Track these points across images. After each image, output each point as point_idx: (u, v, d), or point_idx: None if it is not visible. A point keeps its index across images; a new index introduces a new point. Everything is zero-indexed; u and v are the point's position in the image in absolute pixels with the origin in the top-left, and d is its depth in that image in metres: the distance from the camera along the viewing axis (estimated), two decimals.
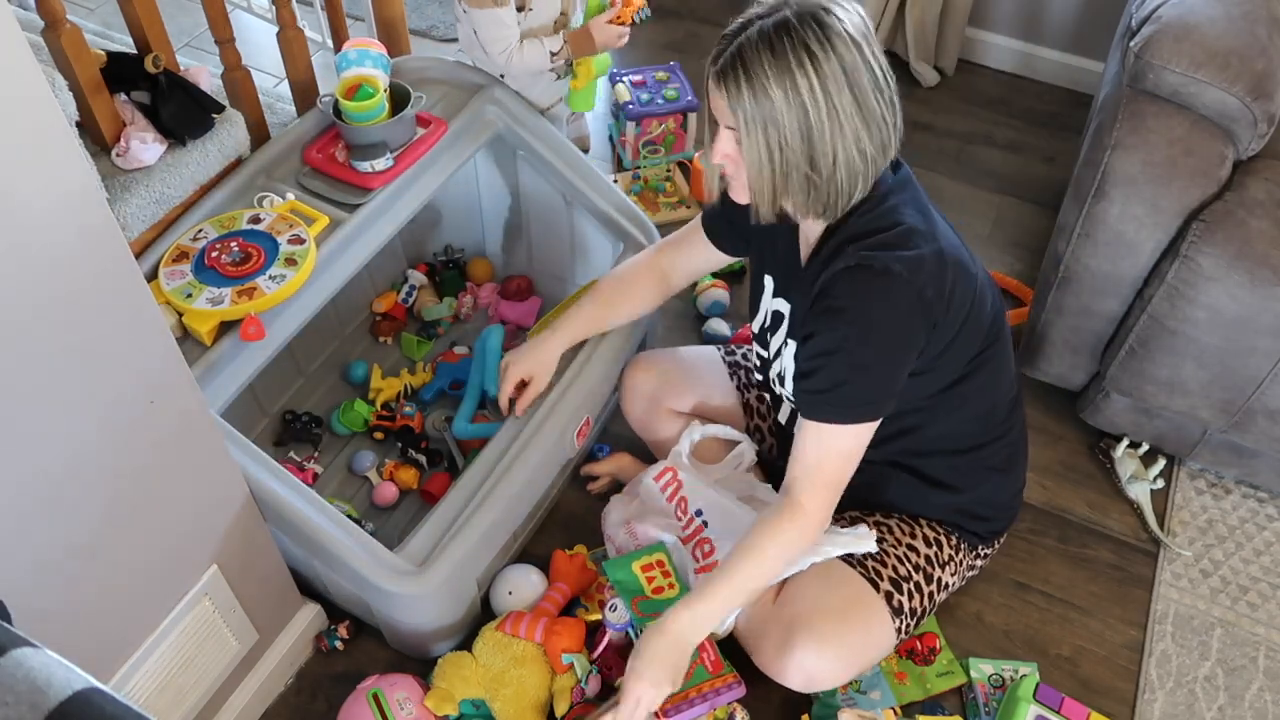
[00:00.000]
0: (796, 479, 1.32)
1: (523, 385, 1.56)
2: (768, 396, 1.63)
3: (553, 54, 1.79)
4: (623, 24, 1.83)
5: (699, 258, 1.56)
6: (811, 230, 1.31)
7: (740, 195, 1.27)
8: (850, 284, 1.22)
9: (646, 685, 1.29)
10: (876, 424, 1.30)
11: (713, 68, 1.19)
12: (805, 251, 1.35)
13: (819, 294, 1.26)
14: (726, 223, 1.48)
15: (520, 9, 1.76)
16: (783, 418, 1.54)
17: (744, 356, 1.69)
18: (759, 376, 1.55)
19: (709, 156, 1.27)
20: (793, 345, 1.36)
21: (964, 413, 1.40)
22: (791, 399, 1.40)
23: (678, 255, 1.58)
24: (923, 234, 1.23)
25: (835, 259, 1.24)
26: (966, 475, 1.46)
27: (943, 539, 1.48)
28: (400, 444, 1.77)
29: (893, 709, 1.47)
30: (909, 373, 1.29)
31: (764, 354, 1.46)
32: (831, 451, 1.30)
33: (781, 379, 1.41)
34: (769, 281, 1.44)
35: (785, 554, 1.35)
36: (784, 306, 1.39)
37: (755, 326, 1.49)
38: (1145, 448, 1.83)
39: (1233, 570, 1.72)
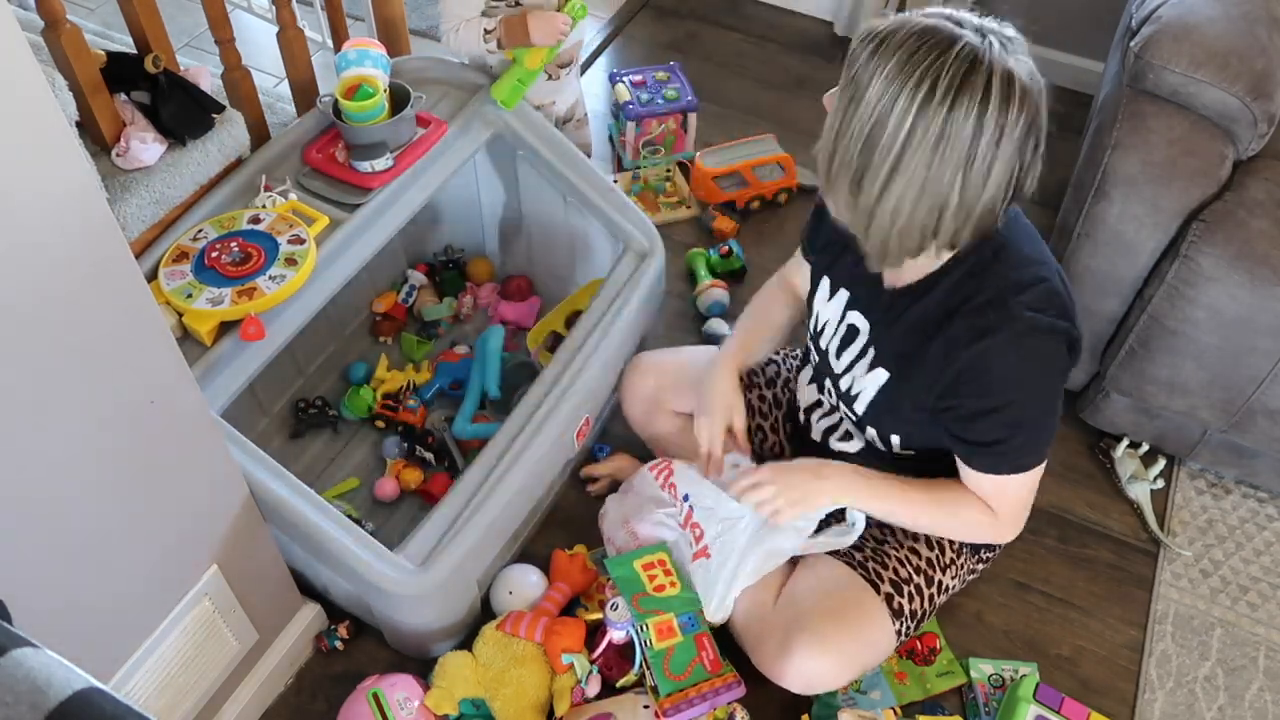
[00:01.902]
0: (1001, 507, 1.32)
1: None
2: (769, 396, 1.63)
3: (486, 31, 1.67)
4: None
5: (804, 271, 1.50)
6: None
7: None
8: (1007, 352, 1.17)
9: (772, 476, 1.34)
10: (1044, 463, 1.30)
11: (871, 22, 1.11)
12: (890, 276, 1.28)
13: (961, 353, 1.18)
14: (815, 226, 1.41)
15: None
16: (816, 435, 1.51)
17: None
18: (810, 379, 1.52)
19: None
20: (881, 374, 1.31)
21: None
22: (853, 417, 1.39)
23: (795, 273, 1.56)
24: (1060, 290, 1.20)
25: (960, 313, 1.18)
26: None
27: (945, 543, 1.47)
28: (406, 443, 1.77)
29: (893, 709, 1.47)
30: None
31: (830, 363, 1.40)
32: (1007, 489, 1.30)
33: (850, 398, 1.37)
34: (840, 291, 1.37)
35: (964, 529, 1.37)
36: (861, 324, 1.34)
37: (812, 326, 1.44)
38: (1145, 448, 1.83)
39: (1233, 570, 1.72)
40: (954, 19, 1.08)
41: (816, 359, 1.46)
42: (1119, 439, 1.84)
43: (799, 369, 1.62)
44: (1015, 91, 1.05)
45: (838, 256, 1.37)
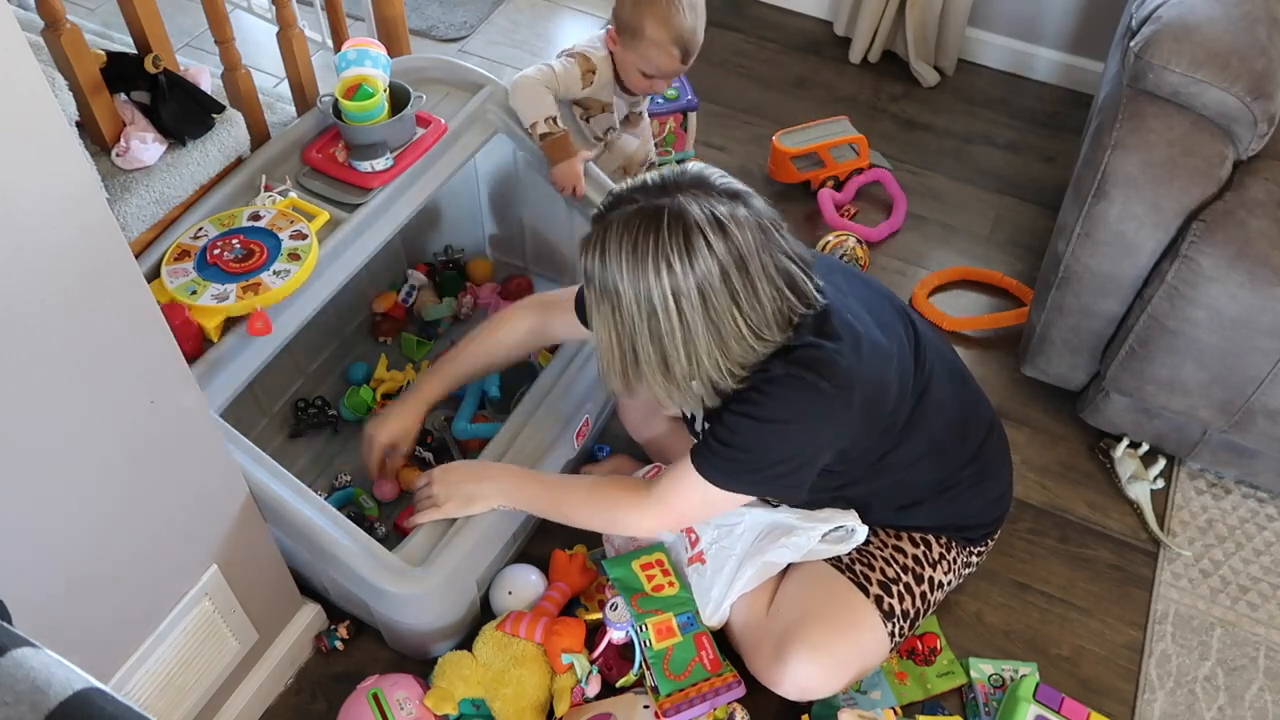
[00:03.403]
0: (660, 491, 1.33)
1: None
2: None
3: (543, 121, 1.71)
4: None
5: (573, 326, 1.50)
6: None
7: None
8: (774, 386, 1.20)
9: (436, 477, 1.40)
10: (743, 497, 1.31)
11: (590, 224, 1.18)
12: None
13: (741, 395, 1.23)
14: None
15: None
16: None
17: None
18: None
19: None
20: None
21: (909, 464, 1.38)
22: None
23: (554, 316, 1.54)
24: (847, 352, 1.20)
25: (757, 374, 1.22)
26: (938, 508, 1.46)
27: (930, 539, 1.47)
28: None
29: (893, 709, 1.47)
30: (826, 464, 1.29)
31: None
32: (693, 493, 1.30)
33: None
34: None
35: (612, 524, 1.41)
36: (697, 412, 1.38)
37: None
38: (1145, 448, 1.83)
39: (1233, 570, 1.72)
40: (641, 190, 1.15)
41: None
42: (1119, 439, 1.84)
43: None
44: (726, 224, 1.12)
45: None
